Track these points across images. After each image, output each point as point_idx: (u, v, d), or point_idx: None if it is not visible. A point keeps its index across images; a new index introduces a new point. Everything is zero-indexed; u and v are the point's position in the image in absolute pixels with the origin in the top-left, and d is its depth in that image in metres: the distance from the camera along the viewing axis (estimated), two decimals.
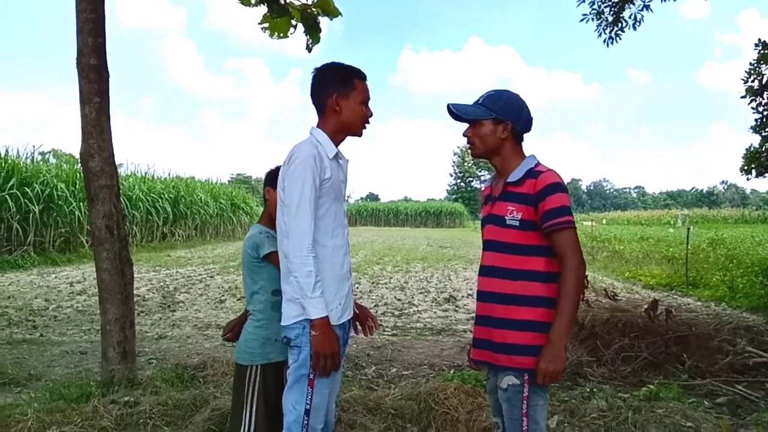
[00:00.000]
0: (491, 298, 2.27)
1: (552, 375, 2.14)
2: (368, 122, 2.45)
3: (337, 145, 2.40)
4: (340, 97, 2.36)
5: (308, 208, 2.21)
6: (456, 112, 2.34)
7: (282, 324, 2.33)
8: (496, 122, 2.28)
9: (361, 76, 2.42)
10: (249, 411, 2.73)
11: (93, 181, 4.38)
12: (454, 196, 72.39)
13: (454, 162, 77.00)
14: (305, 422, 2.25)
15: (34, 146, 19.66)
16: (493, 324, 2.26)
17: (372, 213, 58.28)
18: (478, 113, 2.31)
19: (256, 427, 2.71)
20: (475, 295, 2.42)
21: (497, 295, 2.25)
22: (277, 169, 2.84)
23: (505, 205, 2.25)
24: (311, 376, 2.25)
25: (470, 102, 2.39)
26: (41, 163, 17.60)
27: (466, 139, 2.38)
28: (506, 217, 2.23)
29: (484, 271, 2.33)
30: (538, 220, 2.18)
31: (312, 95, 2.43)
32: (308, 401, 2.26)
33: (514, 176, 2.25)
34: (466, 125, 2.38)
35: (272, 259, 2.67)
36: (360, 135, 2.46)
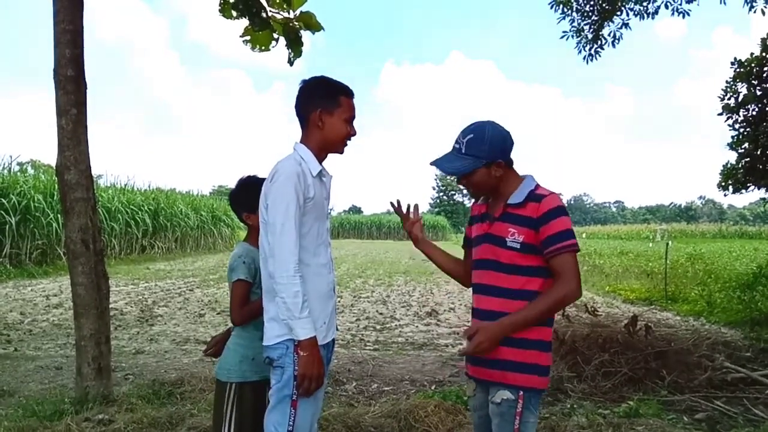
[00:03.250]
0: (489, 316, 2.25)
1: (481, 349, 2.16)
2: (350, 139, 2.41)
3: (321, 161, 2.36)
4: (324, 112, 2.31)
5: (293, 227, 2.16)
6: (444, 170, 2.29)
7: (264, 344, 2.28)
8: (488, 166, 2.24)
9: (348, 94, 2.38)
10: (227, 428, 2.68)
11: (69, 194, 4.31)
12: (436, 210, 72.65)
13: (436, 175, 77.38)
14: None
15: (11, 156, 19.37)
16: None
17: (355, 226, 58.21)
18: (467, 166, 2.25)
19: None
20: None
21: (496, 314, 2.23)
22: (240, 190, 2.82)
23: (505, 227, 2.22)
24: (294, 398, 2.21)
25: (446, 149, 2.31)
26: (19, 173, 17.37)
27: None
28: (507, 239, 2.21)
29: (482, 289, 2.30)
30: (539, 244, 2.17)
31: (296, 108, 2.38)
32: (291, 423, 2.21)
33: (515, 198, 2.23)
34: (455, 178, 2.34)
35: (234, 287, 2.64)
36: (341, 152, 2.42)
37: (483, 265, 2.31)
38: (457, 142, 2.29)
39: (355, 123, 2.43)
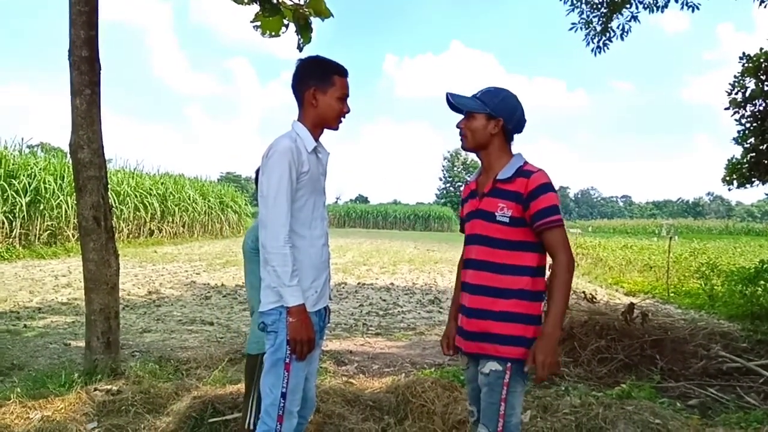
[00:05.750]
0: (480, 290, 2.33)
1: (550, 366, 2.20)
2: (344, 117, 2.52)
3: (316, 138, 2.47)
4: (317, 91, 2.42)
5: (285, 200, 2.28)
6: (453, 101, 2.40)
7: (260, 310, 2.40)
8: (489, 117, 2.34)
9: (341, 73, 2.47)
10: (256, 398, 2.76)
11: (81, 172, 4.42)
12: (443, 200, 72.53)
13: (443, 166, 77.12)
14: (281, 405, 2.33)
15: (22, 138, 19.53)
16: (480, 315, 2.33)
17: (361, 215, 58.25)
18: (473, 106, 2.36)
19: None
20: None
21: (486, 288, 2.31)
22: None
23: (495, 202, 2.31)
24: (287, 361, 2.34)
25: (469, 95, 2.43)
26: (29, 155, 17.54)
27: (458, 130, 2.44)
28: (496, 213, 2.29)
29: (473, 264, 2.38)
30: (528, 219, 2.26)
31: (293, 87, 2.49)
32: (284, 385, 2.34)
33: (504, 174, 2.31)
34: (458, 120, 2.44)
35: None
36: (336, 129, 2.53)
37: (475, 240, 2.39)
38: (477, 91, 2.42)
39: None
